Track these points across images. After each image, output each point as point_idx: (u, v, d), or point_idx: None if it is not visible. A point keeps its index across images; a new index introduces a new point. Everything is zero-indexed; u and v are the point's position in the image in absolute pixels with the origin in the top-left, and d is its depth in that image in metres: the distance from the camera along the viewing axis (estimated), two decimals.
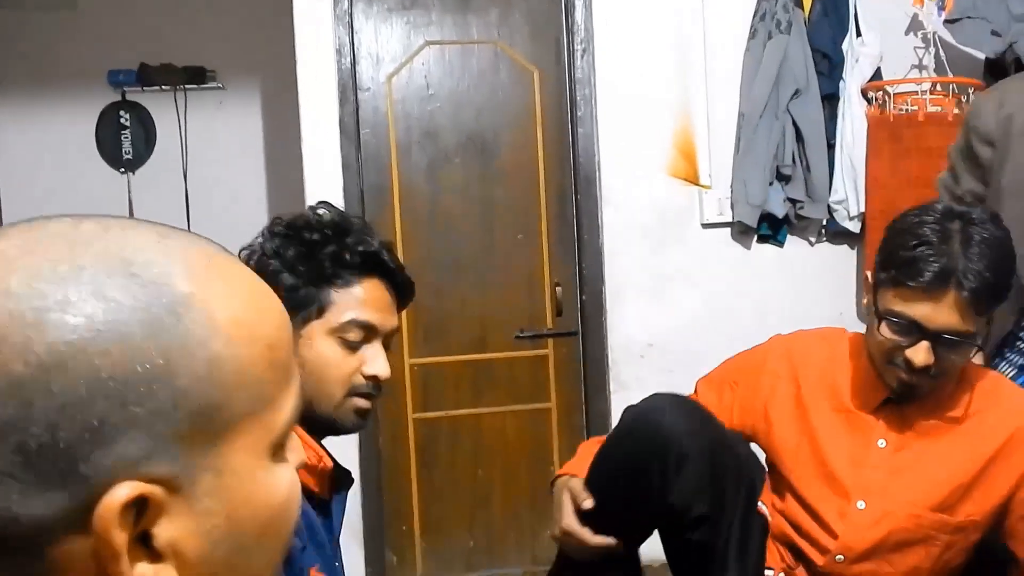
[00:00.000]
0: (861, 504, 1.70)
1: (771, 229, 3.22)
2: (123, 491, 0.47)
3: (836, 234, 3.27)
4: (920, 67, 3.29)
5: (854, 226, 3.20)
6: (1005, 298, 1.61)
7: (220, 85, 3.84)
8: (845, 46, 3.19)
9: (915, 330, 1.58)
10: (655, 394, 1.70)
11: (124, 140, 3.81)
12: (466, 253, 3.16)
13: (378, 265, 1.38)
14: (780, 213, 3.15)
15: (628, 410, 1.70)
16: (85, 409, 0.47)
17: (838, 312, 3.30)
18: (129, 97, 3.82)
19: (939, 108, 3.05)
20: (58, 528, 0.48)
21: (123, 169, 3.81)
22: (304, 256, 1.34)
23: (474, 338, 3.15)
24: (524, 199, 3.20)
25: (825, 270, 3.29)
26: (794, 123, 3.13)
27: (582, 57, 3.14)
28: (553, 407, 3.21)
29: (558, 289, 3.20)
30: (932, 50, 3.26)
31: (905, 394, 1.66)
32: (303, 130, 3.02)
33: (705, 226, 3.20)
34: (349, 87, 3.06)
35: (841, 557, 1.70)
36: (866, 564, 1.70)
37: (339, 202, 3.00)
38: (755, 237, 3.22)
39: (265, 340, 0.54)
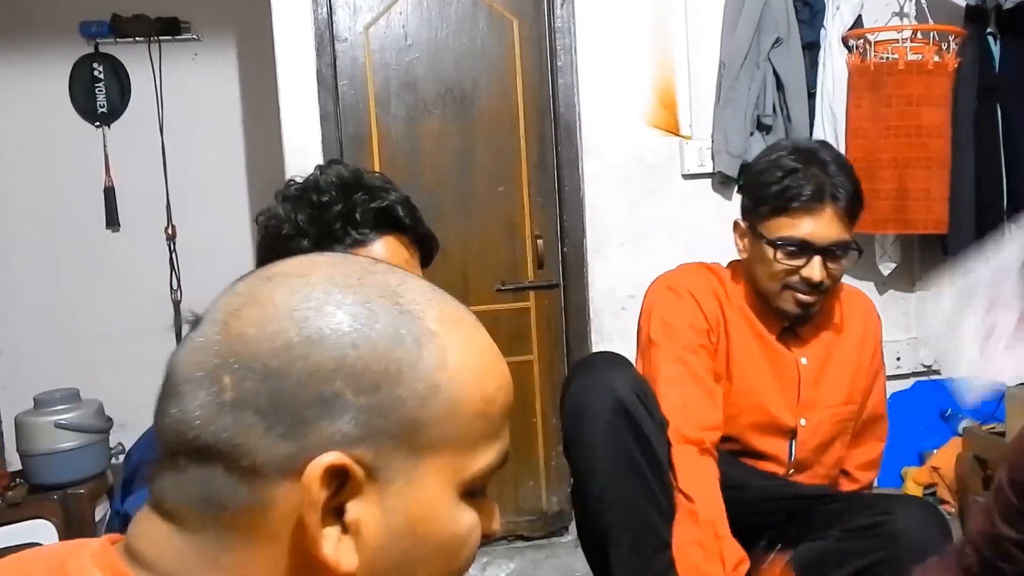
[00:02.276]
0: (803, 421, 1.89)
1: None
2: (331, 456, 0.58)
3: None
4: (901, 15, 3.27)
5: None
6: (863, 207, 1.81)
7: (195, 36, 3.77)
8: None
9: (807, 248, 1.75)
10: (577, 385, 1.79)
11: (98, 93, 3.75)
12: (446, 205, 3.15)
13: (394, 221, 1.36)
14: None
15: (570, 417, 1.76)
16: (326, 380, 0.59)
17: None
18: (102, 49, 3.75)
19: (919, 56, 3.04)
20: (275, 470, 0.59)
21: (98, 123, 3.75)
22: (315, 219, 1.33)
23: (455, 291, 3.10)
24: (504, 150, 3.18)
25: None
26: (775, 72, 3.12)
27: (562, 6, 3.11)
28: (535, 359, 3.23)
29: (539, 241, 3.19)
30: None
31: (801, 315, 1.84)
32: (280, 82, 2.98)
33: (686, 176, 3.19)
34: (326, 38, 3.02)
35: (793, 471, 1.91)
36: (807, 472, 1.92)
37: (317, 154, 2.98)
38: (736, 187, 3.22)
39: (483, 393, 0.65)
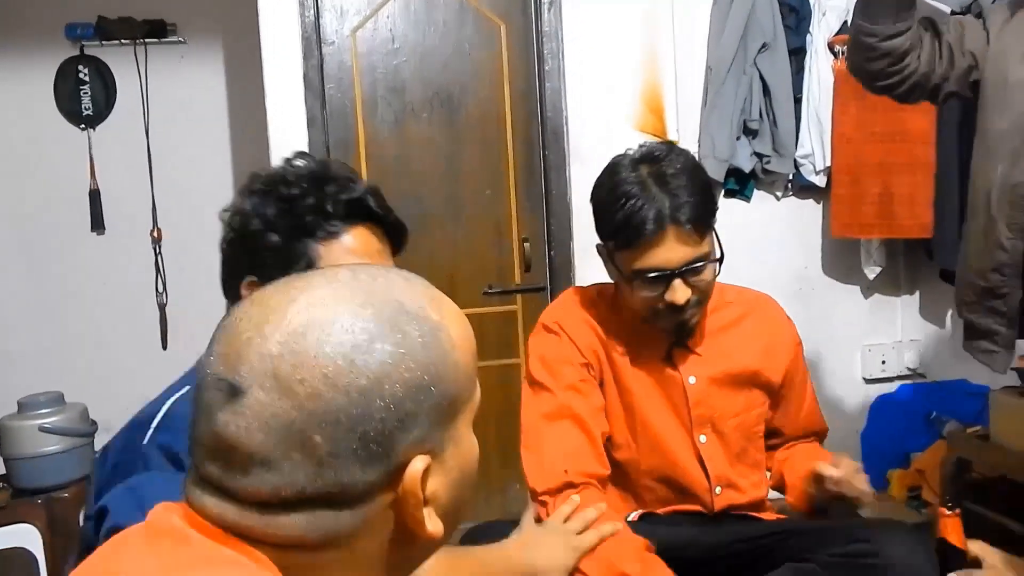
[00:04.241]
0: (703, 438, 1.85)
1: (738, 184, 3.23)
2: (420, 463, 0.70)
3: (802, 188, 3.29)
4: None
5: (820, 180, 3.22)
6: (716, 207, 1.76)
7: (181, 39, 3.75)
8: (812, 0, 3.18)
9: (662, 277, 1.70)
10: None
11: (83, 96, 3.72)
12: (434, 208, 3.15)
13: (363, 211, 1.34)
14: (747, 168, 3.16)
15: None
16: (399, 408, 0.69)
17: (803, 266, 3.33)
18: (88, 51, 3.72)
19: None
20: (374, 490, 0.70)
21: (83, 125, 3.73)
22: (284, 212, 1.31)
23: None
24: (491, 154, 3.18)
25: (791, 224, 3.31)
26: (761, 77, 3.13)
27: (549, 10, 3.11)
28: (522, 362, 3.22)
29: (526, 244, 3.20)
30: None
31: (682, 332, 1.79)
32: (266, 85, 2.98)
33: None
34: (313, 41, 3.02)
35: (720, 488, 1.86)
36: (734, 486, 1.87)
37: None
38: (722, 192, 3.23)
39: (472, 347, 0.78)
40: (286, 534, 0.69)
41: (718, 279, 1.91)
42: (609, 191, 1.73)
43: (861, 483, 1.70)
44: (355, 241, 1.33)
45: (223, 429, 0.69)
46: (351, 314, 0.70)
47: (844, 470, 1.70)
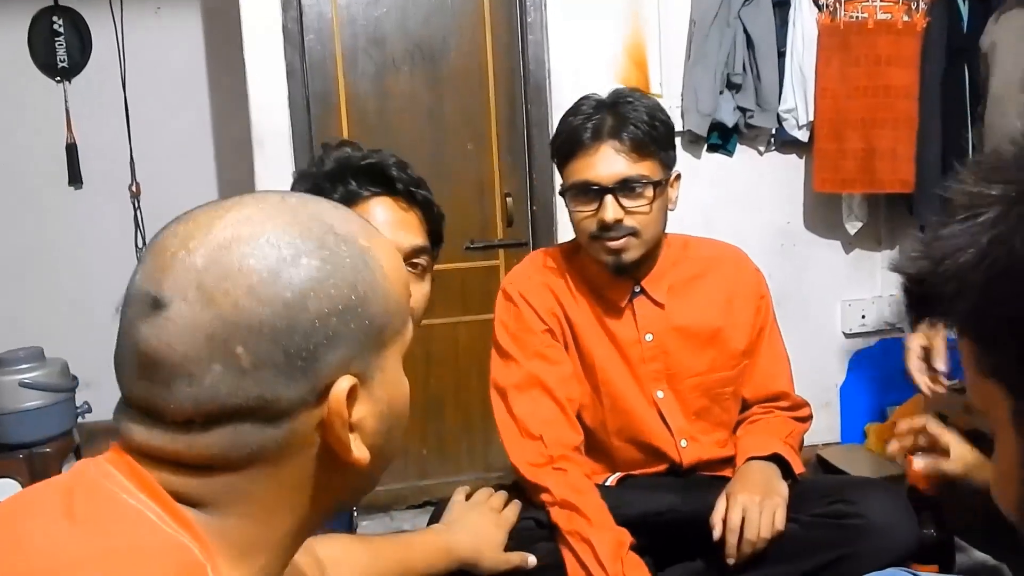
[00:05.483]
0: (660, 394, 1.85)
1: (721, 138, 3.22)
2: (346, 382, 0.70)
3: (785, 143, 3.28)
4: None
5: (803, 135, 3.21)
6: (670, 146, 1.78)
7: None
8: None
9: (594, 190, 1.71)
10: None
11: (58, 48, 3.67)
12: (415, 163, 3.05)
13: (385, 179, 1.38)
14: (730, 122, 3.15)
15: None
16: (325, 324, 0.69)
17: (785, 221, 3.34)
18: (62, 2, 3.66)
19: (888, 16, 3.05)
20: (298, 406, 0.69)
21: (59, 78, 3.68)
22: (305, 176, 1.38)
23: None
24: (473, 108, 3.15)
25: (774, 179, 3.31)
26: (745, 30, 3.11)
27: None
28: None
29: (508, 199, 3.19)
30: None
31: (621, 264, 1.77)
32: (245, 36, 2.93)
33: None
34: None
35: (685, 442, 1.86)
36: (699, 441, 1.87)
37: (283, 111, 2.95)
38: (705, 146, 3.22)
39: (403, 282, 0.78)
40: (211, 453, 0.68)
41: (687, 233, 1.91)
42: (570, 112, 1.78)
43: (731, 546, 1.65)
44: (375, 208, 1.34)
45: (145, 343, 0.68)
46: (278, 230, 0.70)
47: (728, 527, 1.66)
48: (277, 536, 0.73)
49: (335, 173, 1.34)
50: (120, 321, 0.72)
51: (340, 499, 0.78)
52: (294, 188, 1.39)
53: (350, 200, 1.34)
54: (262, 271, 0.68)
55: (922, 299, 0.69)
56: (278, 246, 0.69)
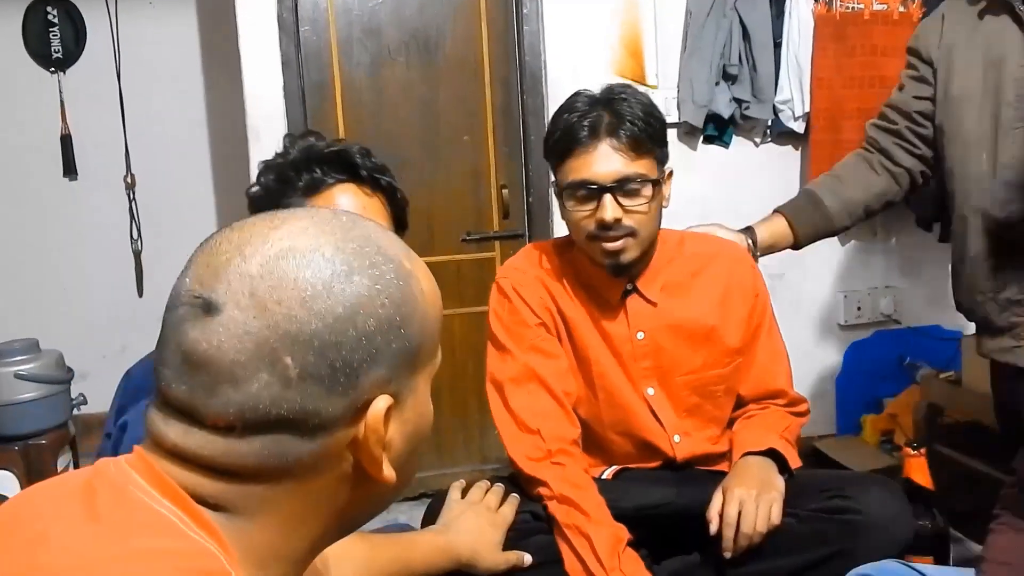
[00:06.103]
0: (651, 391, 1.84)
1: (717, 130, 3.22)
2: (383, 402, 0.71)
3: (781, 135, 3.28)
4: None
5: (799, 126, 3.21)
6: (664, 143, 1.76)
7: None
8: None
9: (593, 189, 1.69)
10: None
11: (53, 38, 3.65)
12: (411, 154, 3.12)
13: (349, 166, 1.37)
14: (726, 113, 3.15)
15: None
16: (371, 342, 0.70)
17: None
18: None
19: (884, 6, 3.05)
20: (337, 422, 0.70)
21: (53, 68, 3.67)
22: (272, 167, 1.39)
23: (420, 240, 3.13)
24: (469, 99, 3.15)
25: (770, 171, 3.31)
26: (741, 21, 3.10)
27: None
28: None
29: (504, 191, 3.18)
30: None
31: (619, 265, 1.76)
32: (240, 27, 2.92)
33: None
34: None
35: (679, 438, 1.85)
36: (693, 435, 1.86)
37: (279, 101, 2.94)
38: (701, 138, 3.22)
39: (438, 306, 0.79)
40: (246, 461, 0.69)
41: (680, 229, 1.90)
42: (563, 110, 1.76)
43: (728, 540, 1.65)
44: (339, 195, 1.35)
45: (194, 346, 0.68)
46: (332, 245, 0.71)
47: (725, 521, 1.66)
48: (297, 548, 0.74)
49: (300, 162, 1.35)
50: (164, 320, 0.72)
51: (359, 516, 0.80)
52: (260, 178, 1.40)
53: (316, 187, 1.35)
54: (316, 284, 0.69)
55: None
56: (333, 260, 0.70)
